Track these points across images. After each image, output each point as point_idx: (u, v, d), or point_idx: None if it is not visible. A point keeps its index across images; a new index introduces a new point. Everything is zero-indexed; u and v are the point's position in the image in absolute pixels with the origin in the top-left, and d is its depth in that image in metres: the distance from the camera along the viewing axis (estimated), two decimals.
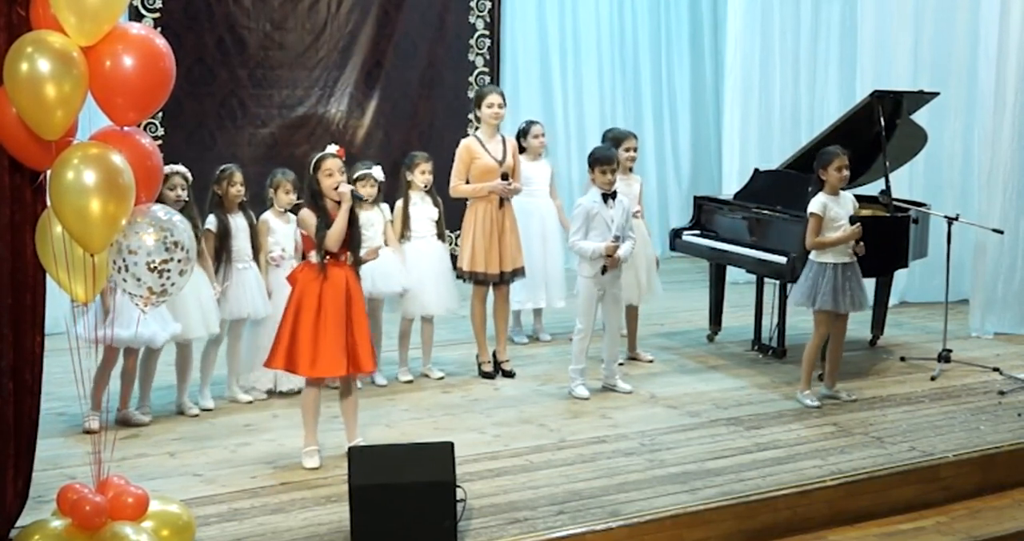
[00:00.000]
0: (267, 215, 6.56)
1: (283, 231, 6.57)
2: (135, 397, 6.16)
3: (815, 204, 6.45)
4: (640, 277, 7.43)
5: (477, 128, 7.29)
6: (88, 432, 5.76)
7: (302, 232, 5.54)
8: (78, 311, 4.98)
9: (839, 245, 6.41)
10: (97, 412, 5.90)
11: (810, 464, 5.62)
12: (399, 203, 6.99)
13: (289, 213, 6.61)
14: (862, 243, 6.45)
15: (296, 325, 5.39)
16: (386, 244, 6.82)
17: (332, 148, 5.51)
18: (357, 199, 5.41)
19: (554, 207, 7.96)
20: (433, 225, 7.03)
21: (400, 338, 7.09)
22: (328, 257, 5.39)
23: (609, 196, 6.51)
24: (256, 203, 6.69)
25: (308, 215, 5.42)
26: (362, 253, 5.63)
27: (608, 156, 6.57)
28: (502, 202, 7.07)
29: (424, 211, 7.00)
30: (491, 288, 7.19)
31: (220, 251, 6.31)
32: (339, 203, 5.38)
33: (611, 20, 11.85)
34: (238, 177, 6.38)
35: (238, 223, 6.39)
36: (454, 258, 7.26)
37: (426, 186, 6.95)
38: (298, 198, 6.64)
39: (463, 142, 7.17)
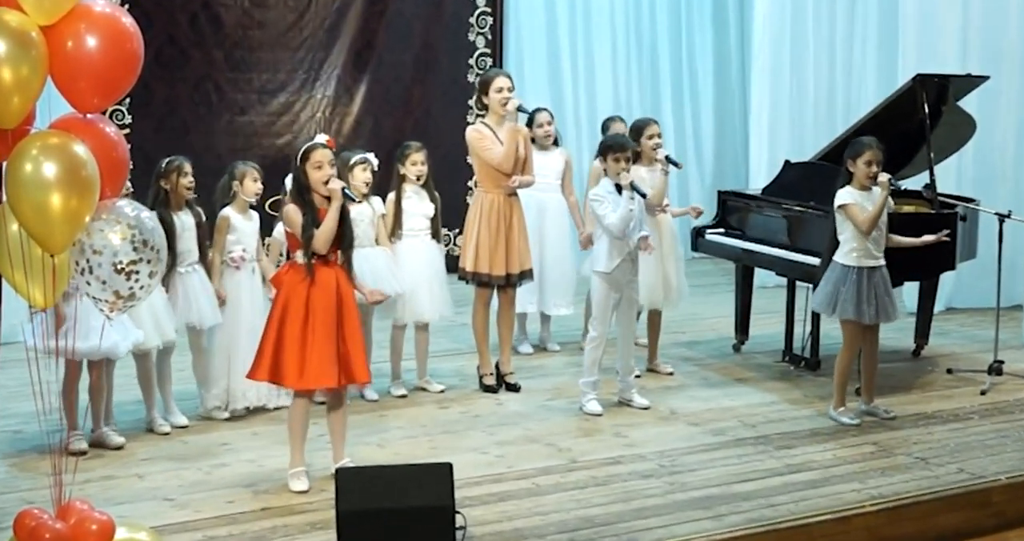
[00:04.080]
0: (228, 211, 6.51)
1: (245, 228, 6.55)
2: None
3: (844, 195, 6.42)
4: (670, 277, 7.40)
5: (479, 116, 7.30)
6: (74, 454, 5.69)
7: (287, 230, 5.54)
8: (32, 318, 4.97)
9: (870, 232, 6.35)
10: (77, 431, 5.90)
11: (847, 488, 5.61)
12: (391, 197, 6.98)
13: (252, 210, 6.60)
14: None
15: (281, 333, 5.39)
16: (376, 242, 6.82)
17: (321, 138, 5.52)
18: (348, 198, 5.41)
19: (563, 203, 7.96)
20: (428, 222, 7.02)
21: (392, 348, 7.09)
22: (315, 257, 5.39)
23: (623, 187, 6.48)
24: (206, 201, 6.63)
25: (294, 211, 5.41)
26: (368, 298, 5.62)
27: (621, 143, 6.58)
28: (510, 195, 7.07)
29: (418, 206, 6.99)
30: (495, 292, 7.18)
31: None
32: (328, 199, 5.38)
33: None
34: (188, 168, 6.34)
35: (184, 222, 6.36)
36: (452, 259, 7.26)
37: (419, 178, 6.95)
38: (267, 191, 6.66)
39: (472, 128, 7.17)
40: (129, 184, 5.96)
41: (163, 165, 6.33)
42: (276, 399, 6.62)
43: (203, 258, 6.44)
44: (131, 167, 4.65)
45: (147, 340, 6.15)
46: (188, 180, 6.33)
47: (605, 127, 8.04)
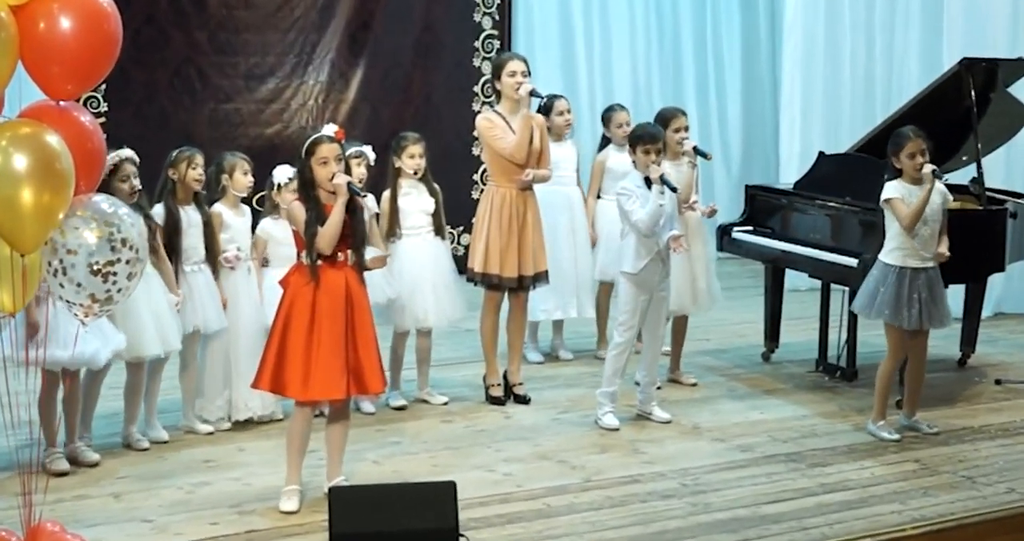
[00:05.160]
0: (219, 207, 6.55)
1: (238, 226, 6.58)
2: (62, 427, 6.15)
3: (889, 189, 6.42)
4: (699, 279, 7.40)
5: (486, 104, 7.31)
6: (57, 475, 5.75)
7: (293, 228, 5.56)
8: (7, 324, 4.99)
9: (912, 228, 6.33)
10: (56, 449, 5.92)
11: (887, 509, 5.61)
12: (386, 194, 6.98)
13: (244, 205, 6.62)
14: (946, 242, 6.43)
15: (285, 339, 5.41)
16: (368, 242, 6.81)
17: (329, 129, 5.53)
18: (354, 193, 5.42)
19: (582, 197, 8.01)
20: (428, 218, 7.03)
21: (392, 356, 7.10)
22: (322, 258, 5.41)
23: (653, 181, 6.48)
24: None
25: (298, 208, 5.43)
26: (369, 263, 5.65)
27: (651, 133, 6.59)
28: (524, 189, 7.08)
29: (417, 202, 7.00)
30: (506, 295, 7.20)
31: (167, 250, 6.31)
32: (335, 195, 5.39)
33: None
34: (200, 159, 6.41)
35: (191, 217, 6.40)
36: (458, 259, 7.26)
37: (416, 172, 6.95)
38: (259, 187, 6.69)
39: (482, 116, 7.18)
40: (138, 182, 6.04)
41: (174, 154, 6.41)
42: (281, 410, 6.63)
43: (211, 258, 6.47)
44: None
45: (145, 348, 6.16)
46: (198, 172, 6.39)
47: (607, 118, 8.06)
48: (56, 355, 5.57)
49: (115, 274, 4.34)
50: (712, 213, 7.47)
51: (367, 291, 5.61)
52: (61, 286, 4.34)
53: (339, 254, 5.44)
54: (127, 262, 4.37)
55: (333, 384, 5.40)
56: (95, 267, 4.30)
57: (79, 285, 4.31)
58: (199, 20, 9.87)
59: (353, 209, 5.44)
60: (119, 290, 4.38)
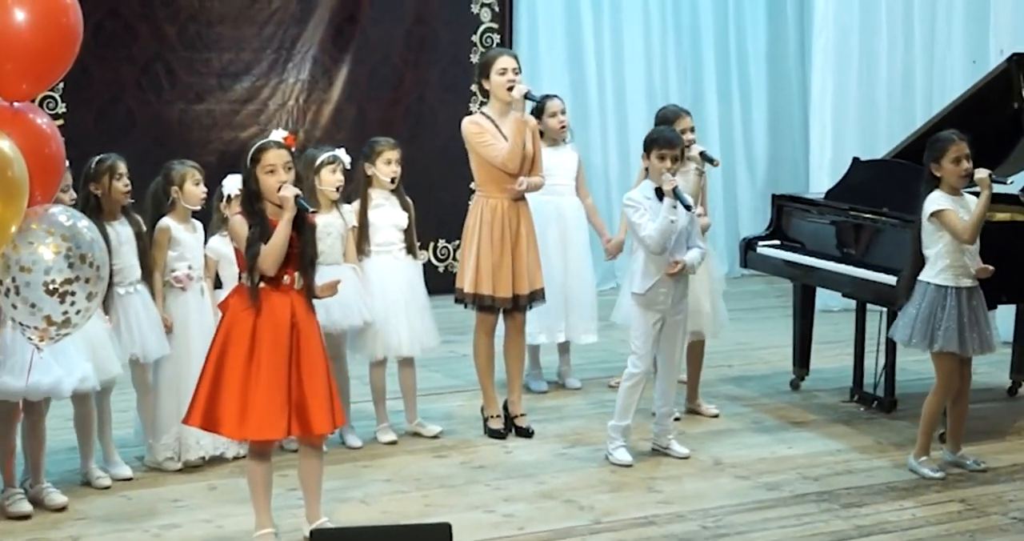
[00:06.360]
0: (167, 221, 6.50)
1: (189, 242, 6.55)
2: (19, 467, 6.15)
3: (937, 200, 6.40)
4: (703, 303, 7.39)
5: (483, 103, 7.30)
6: (16, 518, 5.75)
7: (235, 245, 5.51)
8: None
9: (974, 241, 6.32)
10: (15, 489, 5.90)
11: None
12: (355, 206, 6.96)
13: (195, 220, 6.60)
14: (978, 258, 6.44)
15: (220, 370, 5.33)
16: (344, 259, 6.82)
17: (277, 134, 5.44)
18: (303, 208, 5.34)
19: (581, 207, 8.00)
20: (400, 235, 7.02)
21: (372, 387, 7.08)
22: (265, 280, 5.35)
23: (666, 194, 6.47)
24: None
25: (240, 223, 5.36)
26: (319, 291, 5.55)
27: (669, 138, 6.56)
28: (516, 200, 7.08)
29: (389, 216, 6.98)
30: (501, 317, 7.20)
31: None
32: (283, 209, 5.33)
33: None
34: (123, 168, 6.33)
35: (120, 233, 6.35)
36: (452, 277, 7.26)
37: (393, 180, 6.94)
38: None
39: (469, 120, 7.16)
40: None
41: (92, 166, 6.31)
42: (236, 447, 6.61)
43: (147, 276, 6.45)
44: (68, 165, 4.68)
45: (86, 378, 6.13)
46: (123, 183, 6.32)
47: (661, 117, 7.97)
48: (10, 384, 5.55)
49: (73, 294, 4.34)
50: (704, 228, 7.36)
51: (317, 319, 5.52)
52: (14, 307, 4.34)
53: (285, 277, 5.36)
54: (87, 281, 4.37)
55: (271, 422, 5.30)
56: (51, 286, 4.31)
57: (33, 306, 4.32)
58: (168, 12, 9.88)
59: (302, 227, 5.37)
60: (78, 312, 4.38)
